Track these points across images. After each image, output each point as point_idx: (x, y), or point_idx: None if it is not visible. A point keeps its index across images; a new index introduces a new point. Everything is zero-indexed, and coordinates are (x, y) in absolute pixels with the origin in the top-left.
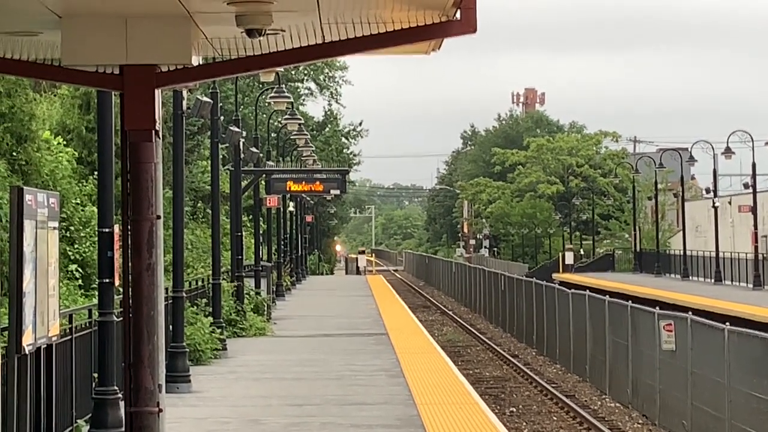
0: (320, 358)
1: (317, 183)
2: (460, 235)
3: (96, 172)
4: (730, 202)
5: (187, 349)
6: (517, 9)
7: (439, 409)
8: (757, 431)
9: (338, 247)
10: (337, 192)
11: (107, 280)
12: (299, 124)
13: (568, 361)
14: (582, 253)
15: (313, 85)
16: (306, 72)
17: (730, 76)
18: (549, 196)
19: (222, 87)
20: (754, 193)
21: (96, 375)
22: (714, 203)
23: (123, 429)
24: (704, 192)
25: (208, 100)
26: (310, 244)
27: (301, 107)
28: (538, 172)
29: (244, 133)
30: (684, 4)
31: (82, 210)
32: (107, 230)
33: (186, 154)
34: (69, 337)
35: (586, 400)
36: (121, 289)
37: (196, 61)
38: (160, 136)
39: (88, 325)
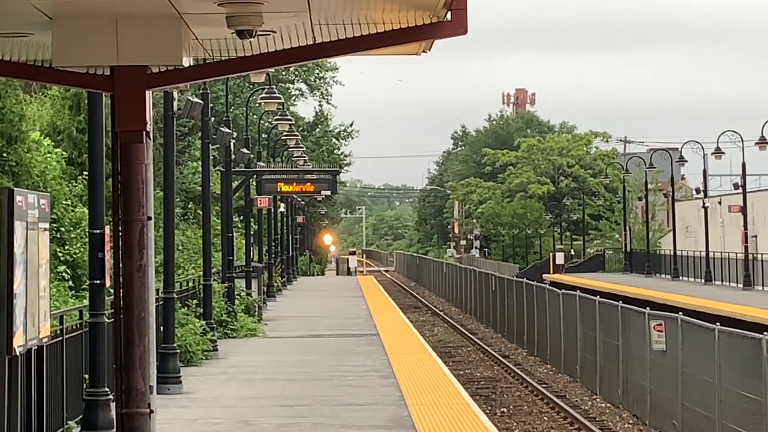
0: (311, 359)
1: (308, 184)
2: (450, 235)
3: (85, 173)
4: (720, 203)
5: (178, 350)
6: (508, 10)
7: (430, 409)
8: (748, 431)
9: (328, 240)
10: (328, 193)
11: (98, 282)
12: (290, 125)
13: (559, 361)
14: (572, 253)
15: (303, 86)
16: (297, 73)
17: (720, 76)
18: (539, 197)
19: (213, 88)
20: (744, 193)
21: (87, 376)
22: (704, 203)
23: (114, 430)
24: (694, 192)
25: (199, 101)
26: (301, 245)
27: (291, 108)
28: (528, 172)
29: (235, 134)
30: (675, 5)
31: (73, 211)
32: (98, 231)
33: (177, 155)
34: (60, 339)
35: (576, 401)
36: (112, 291)
37: (186, 62)
38: (151, 137)
39: (79, 326)
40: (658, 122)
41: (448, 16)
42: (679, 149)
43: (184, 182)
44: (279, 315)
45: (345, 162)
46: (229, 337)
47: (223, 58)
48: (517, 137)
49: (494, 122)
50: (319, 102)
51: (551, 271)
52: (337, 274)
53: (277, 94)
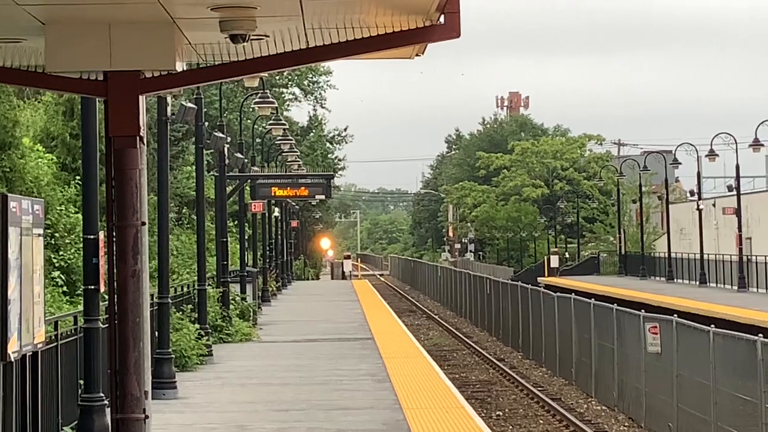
0: (306, 364)
1: (302, 188)
2: (445, 239)
3: (78, 177)
4: (714, 205)
5: (173, 356)
6: (501, 13)
7: (425, 413)
8: None
9: (325, 243)
10: (322, 197)
11: (92, 287)
12: (284, 130)
13: (554, 364)
14: (567, 256)
15: (297, 91)
16: (290, 77)
17: (713, 79)
18: (534, 200)
19: (206, 92)
20: (738, 195)
21: (82, 382)
22: (698, 206)
23: None
24: (688, 194)
25: (193, 105)
26: (295, 249)
27: (285, 112)
28: (522, 175)
29: (229, 139)
30: (668, 8)
31: (67, 216)
32: (92, 237)
33: (170, 159)
34: (54, 344)
35: (572, 403)
36: (106, 296)
37: (180, 67)
38: (145, 142)
39: (73, 332)
40: (652, 125)
41: (442, 19)
42: (673, 152)
43: (178, 187)
44: (274, 319)
45: (339, 166)
46: (224, 341)
47: (216, 63)
48: (511, 140)
49: (488, 126)
50: (314, 106)
51: (546, 274)
52: (332, 279)
53: (271, 99)
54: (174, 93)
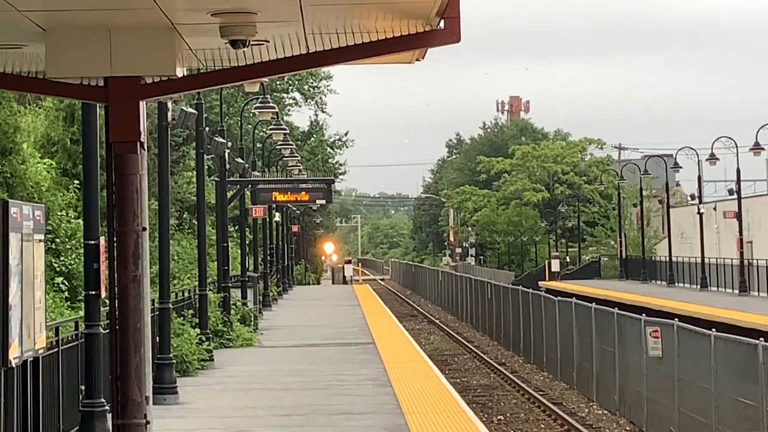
0: (307, 368)
1: (303, 193)
2: (446, 243)
3: (77, 181)
4: (715, 209)
5: (174, 361)
6: (501, 18)
7: (426, 417)
8: None
9: (329, 248)
10: (323, 202)
11: (93, 292)
12: (284, 134)
13: (556, 368)
14: (568, 260)
15: (298, 95)
16: (291, 82)
17: (714, 82)
18: (534, 204)
19: (207, 98)
20: (739, 199)
21: (83, 387)
22: (699, 209)
23: None
24: (689, 198)
25: (193, 111)
26: (296, 254)
27: (286, 117)
28: (523, 179)
29: (230, 144)
30: (669, 11)
31: (68, 222)
32: (93, 242)
33: (171, 165)
34: (55, 350)
35: (573, 408)
36: (107, 301)
37: (180, 72)
38: (145, 147)
39: (74, 337)
40: (653, 129)
41: (442, 24)
42: (674, 156)
43: (178, 192)
44: (275, 324)
45: (340, 171)
46: (225, 347)
47: (216, 68)
48: (511, 145)
49: (489, 130)
50: (315, 111)
51: (547, 279)
52: (333, 283)
53: (272, 104)
54: (174, 98)
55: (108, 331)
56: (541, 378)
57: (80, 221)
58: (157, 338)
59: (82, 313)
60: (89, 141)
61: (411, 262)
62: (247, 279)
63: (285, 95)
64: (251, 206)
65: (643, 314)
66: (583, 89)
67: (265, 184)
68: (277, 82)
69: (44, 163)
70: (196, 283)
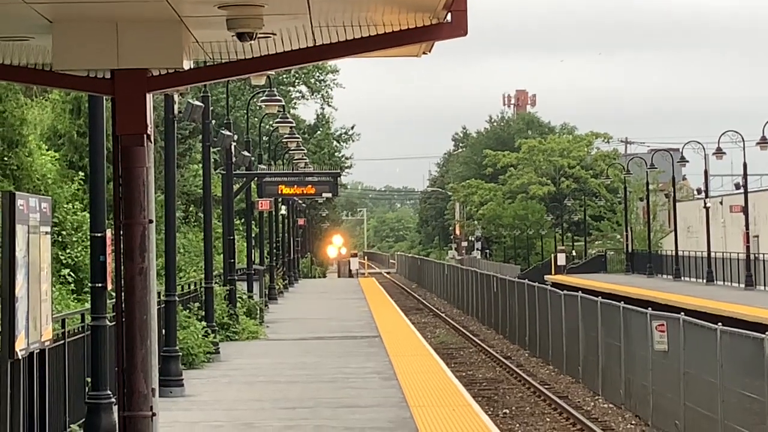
0: (313, 361)
1: (309, 186)
2: (452, 237)
3: (81, 174)
4: (721, 203)
5: (180, 353)
6: (509, 11)
7: (432, 411)
8: (750, 431)
9: (338, 240)
10: (329, 195)
11: (100, 285)
12: (291, 127)
13: (561, 362)
14: (574, 254)
15: (304, 88)
16: (297, 75)
17: (721, 77)
18: (540, 198)
19: (213, 90)
20: (746, 193)
21: (89, 379)
22: (705, 203)
23: None
24: (695, 192)
25: (200, 103)
26: (302, 247)
27: (292, 110)
28: (529, 173)
29: (236, 137)
30: (676, 5)
31: (74, 214)
32: (99, 235)
33: (177, 157)
34: (62, 342)
35: (579, 401)
36: (113, 294)
37: (187, 65)
38: (152, 140)
39: (81, 329)
40: (660, 123)
41: (449, 17)
42: (680, 149)
43: (185, 185)
44: (281, 317)
45: (346, 164)
46: (230, 339)
47: (223, 61)
48: (517, 138)
49: (495, 124)
50: (321, 105)
51: (553, 272)
52: (339, 277)
53: (278, 97)
54: (181, 91)
55: (114, 323)
56: (547, 372)
57: (87, 213)
58: (163, 331)
59: (88, 305)
60: (96, 133)
61: (417, 256)
62: (253, 272)
63: (291, 88)
64: (257, 199)
65: (649, 308)
66: (590, 83)
67: (272, 177)
68: (284, 75)
69: (51, 156)
70: (202, 275)
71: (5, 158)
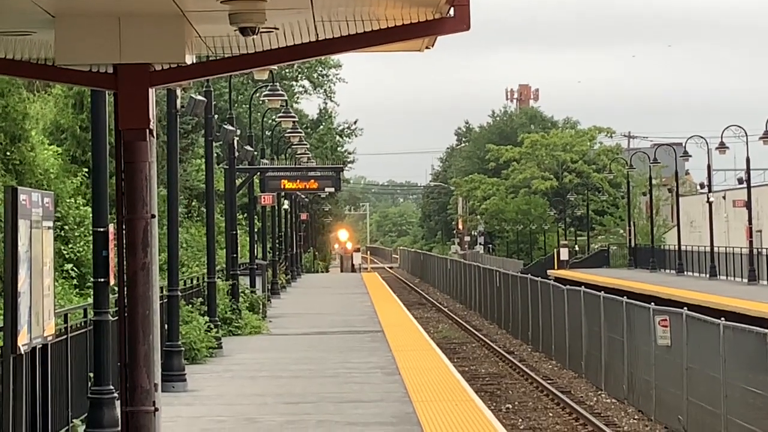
0: (316, 356)
1: (312, 181)
2: (454, 231)
3: (85, 168)
4: (724, 197)
5: (183, 348)
6: (511, 5)
7: (435, 406)
8: (753, 426)
9: (343, 235)
10: (332, 190)
11: (102, 280)
12: (293, 122)
13: (564, 357)
14: (577, 249)
15: (307, 83)
16: (300, 70)
17: (724, 71)
18: (543, 192)
19: (216, 85)
20: (749, 187)
21: (92, 374)
22: (708, 198)
23: (119, 428)
24: (699, 187)
25: (202, 98)
26: (305, 242)
27: (295, 105)
28: (532, 168)
29: (239, 131)
30: (679, 0)
31: (77, 209)
32: (102, 229)
33: (180, 152)
34: (64, 337)
35: (582, 396)
36: (116, 289)
37: (189, 59)
38: (155, 134)
39: (83, 324)
40: (663, 117)
41: (451, 12)
42: (683, 144)
43: (187, 180)
44: (283, 312)
45: (349, 159)
46: (233, 334)
47: (226, 56)
48: (520, 133)
49: (498, 118)
50: (324, 100)
51: (555, 267)
52: (342, 271)
53: (281, 92)
54: (183, 86)
55: (117, 318)
56: (550, 367)
57: (89, 208)
58: (166, 326)
59: (90, 300)
60: (98, 128)
61: (419, 251)
62: (255, 267)
63: (294, 83)
64: (260, 194)
65: (652, 303)
66: (593, 78)
67: (274, 171)
68: (286, 70)
69: (53, 150)
70: (205, 270)
71: (8, 153)
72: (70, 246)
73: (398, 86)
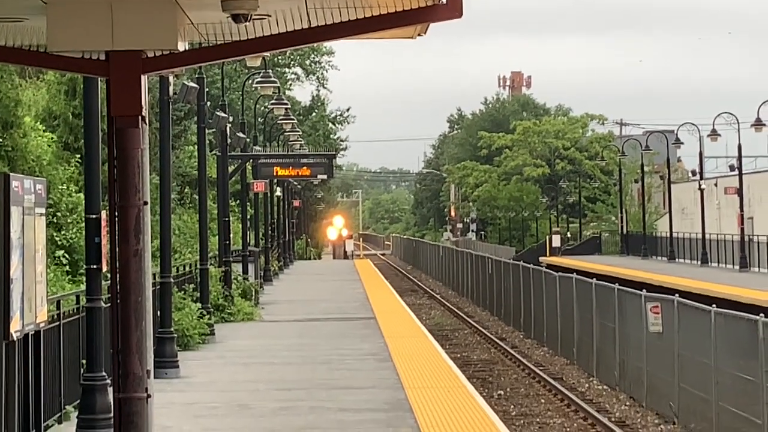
0: (308, 343)
1: (304, 168)
2: (447, 218)
3: (78, 156)
4: (716, 184)
5: (175, 335)
6: None
7: (427, 392)
8: (744, 412)
9: (339, 221)
10: (324, 176)
11: (95, 267)
12: (286, 109)
13: (556, 343)
14: (569, 236)
15: (299, 70)
16: (293, 57)
17: (717, 59)
18: (535, 179)
19: (208, 72)
20: (740, 175)
21: (84, 361)
22: (700, 185)
23: (111, 415)
24: (690, 174)
25: (195, 85)
26: (297, 229)
27: (287, 92)
28: (524, 155)
29: (231, 118)
30: None
31: (69, 196)
32: (94, 216)
33: (172, 139)
34: (57, 324)
35: (573, 383)
36: (108, 275)
37: (182, 46)
38: (147, 121)
39: (75, 311)
40: (655, 104)
41: None
42: (675, 131)
43: (180, 167)
44: (276, 299)
45: (341, 146)
46: (226, 321)
47: (218, 43)
48: (513, 120)
49: (490, 105)
50: (317, 87)
51: (548, 254)
52: (334, 258)
53: (273, 79)
54: (176, 73)
55: (109, 305)
56: (542, 353)
57: (81, 195)
58: (158, 312)
59: (83, 286)
60: (91, 115)
61: (412, 237)
62: (248, 253)
63: (287, 70)
64: (252, 181)
65: (644, 290)
66: (586, 65)
67: (267, 158)
68: (279, 57)
69: (45, 137)
70: (198, 257)
71: (0, 139)
72: (62, 233)
73: (391, 73)
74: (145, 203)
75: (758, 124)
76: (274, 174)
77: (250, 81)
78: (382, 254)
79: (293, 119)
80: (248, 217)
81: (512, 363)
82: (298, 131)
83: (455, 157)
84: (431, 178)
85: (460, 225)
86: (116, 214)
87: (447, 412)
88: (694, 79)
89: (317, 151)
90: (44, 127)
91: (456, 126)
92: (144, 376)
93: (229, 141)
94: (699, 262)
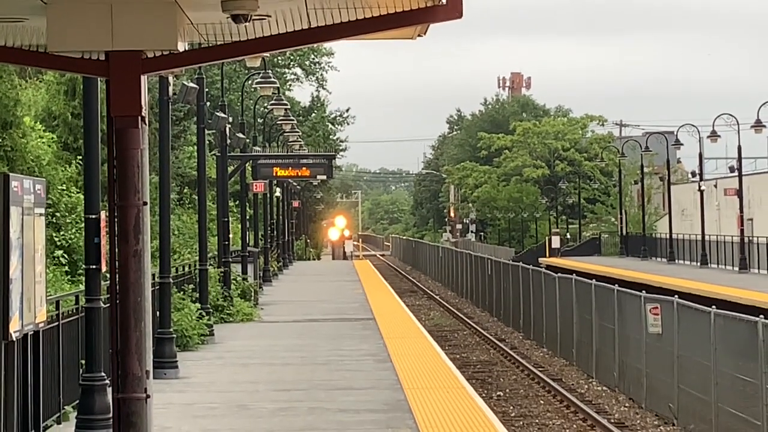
0: (307, 344)
1: (304, 168)
2: (446, 219)
3: (79, 156)
4: (716, 186)
5: (175, 335)
6: None
7: (426, 393)
8: (743, 414)
9: (341, 222)
10: (324, 177)
11: (94, 267)
12: (285, 110)
13: (555, 344)
14: (568, 237)
15: (299, 71)
16: (292, 57)
17: (716, 60)
18: (535, 180)
19: (208, 72)
20: (740, 176)
21: (83, 361)
22: (700, 187)
23: (110, 415)
24: (690, 175)
25: (194, 85)
26: (297, 230)
27: (287, 92)
28: (524, 156)
29: (231, 119)
30: None
31: (69, 196)
32: (94, 216)
33: (172, 139)
34: (56, 324)
35: (572, 384)
36: (108, 276)
37: (182, 47)
38: (146, 122)
39: (75, 311)
40: (655, 106)
41: None
42: (675, 133)
43: (179, 167)
44: (275, 300)
45: (341, 147)
46: (225, 321)
47: (218, 43)
48: (512, 121)
49: (490, 106)
50: (316, 88)
51: (547, 255)
52: (333, 259)
53: (273, 79)
54: (175, 73)
55: (108, 305)
56: (541, 354)
57: (81, 195)
58: (158, 313)
59: (82, 287)
60: (90, 115)
61: (411, 238)
62: (247, 254)
63: (286, 70)
64: (252, 181)
65: (643, 291)
66: (585, 66)
67: (266, 159)
68: (279, 58)
69: (45, 137)
70: (197, 257)
71: None
72: (61, 233)
73: (390, 74)
74: (145, 203)
75: (758, 125)
76: (274, 174)
77: (249, 81)
78: (382, 255)
79: (293, 120)
80: (247, 217)
81: (511, 364)
82: (297, 132)
83: (455, 157)
84: (431, 178)
85: (459, 226)
86: (116, 214)
87: (446, 412)
88: (694, 80)
89: (317, 152)
90: (44, 127)
91: (455, 127)
92: (143, 376)
93: (228, 141)
94: (699, 264)
